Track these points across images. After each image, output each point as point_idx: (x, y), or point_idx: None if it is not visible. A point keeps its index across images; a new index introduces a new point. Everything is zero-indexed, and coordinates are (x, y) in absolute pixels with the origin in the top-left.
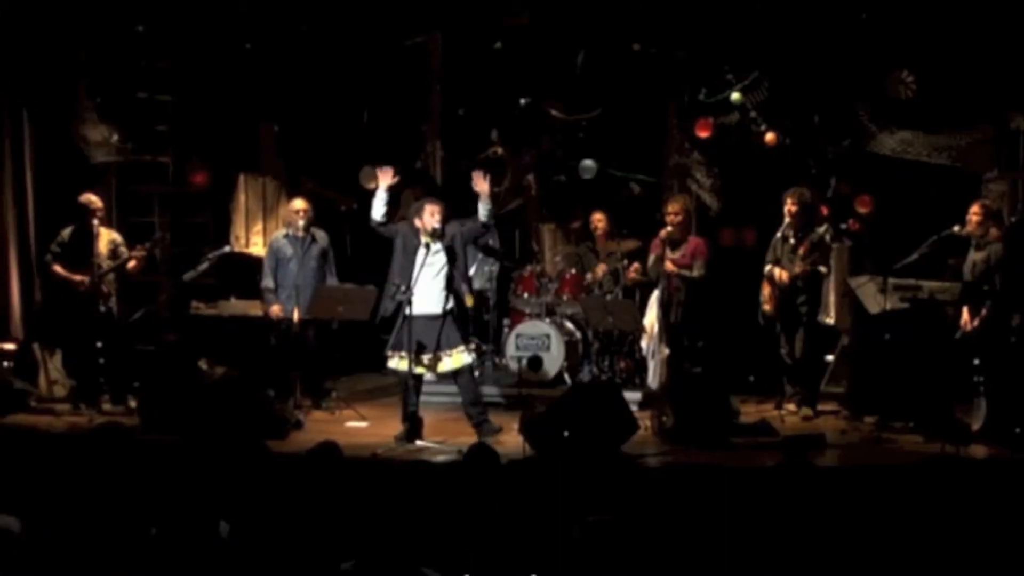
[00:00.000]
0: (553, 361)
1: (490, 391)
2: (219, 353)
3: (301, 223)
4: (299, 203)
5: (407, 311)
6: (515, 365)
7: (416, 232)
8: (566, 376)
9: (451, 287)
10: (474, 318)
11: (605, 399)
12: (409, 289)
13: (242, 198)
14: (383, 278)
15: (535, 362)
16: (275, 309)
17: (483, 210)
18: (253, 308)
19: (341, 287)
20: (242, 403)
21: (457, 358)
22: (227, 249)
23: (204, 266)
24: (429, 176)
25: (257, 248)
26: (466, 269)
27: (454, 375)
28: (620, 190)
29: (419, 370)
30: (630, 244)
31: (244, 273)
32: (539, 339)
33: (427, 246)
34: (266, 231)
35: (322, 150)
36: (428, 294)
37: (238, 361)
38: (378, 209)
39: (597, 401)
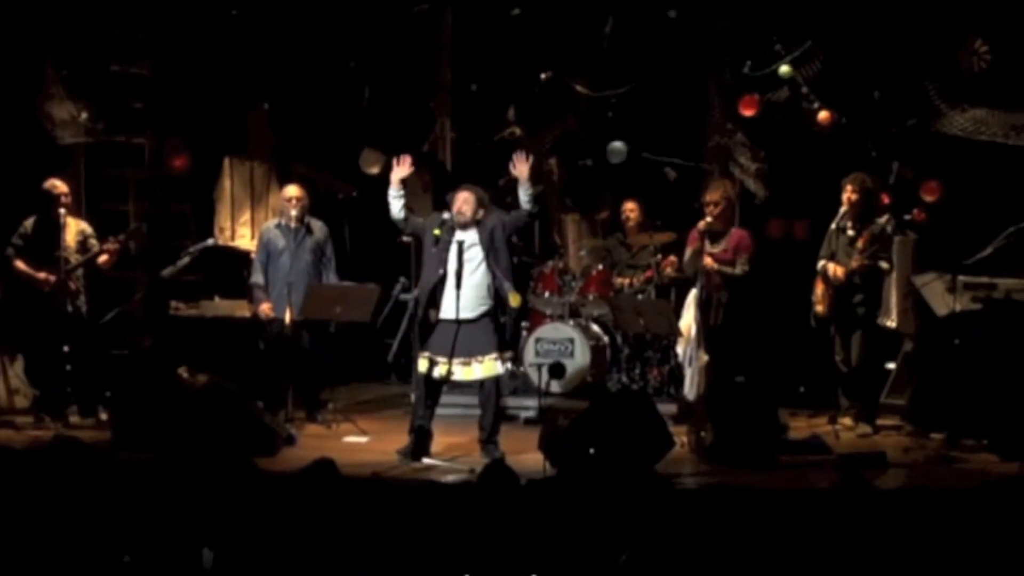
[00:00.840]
0: (577, 369)
1: (506, 403)
2: (201, 359)
3: (294, 212)
4: (292, 190)
5: (412, 310)
6: (535, 373)
7: (448, 227)
8: (591, 385)
9: (491, 286)
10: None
11: (636, 412)
12: (419, 285)
13: (227, 184)
14: (387, 275)
15: (557, 370)
16: (264, 308)
17: (524, 196)
18: (240, 308)
19: (339, 285)
20: (227, 416)
21: (488, 366)
22: (210, 242)
23: (185, 261)
24: (438, 160)
25: (244, 241)
26: (510, 265)
27: (480, 384)
28: (654, 176)
29: (440, 371)
30: (665, 237)
31: (230, 269)
32: (562, 344)
33: (459, 242)
34: (254, 222)
35: (318, 131)
36: (463, 295)
37: (222, 368)
38: (395, 205)
39: (627, 414)
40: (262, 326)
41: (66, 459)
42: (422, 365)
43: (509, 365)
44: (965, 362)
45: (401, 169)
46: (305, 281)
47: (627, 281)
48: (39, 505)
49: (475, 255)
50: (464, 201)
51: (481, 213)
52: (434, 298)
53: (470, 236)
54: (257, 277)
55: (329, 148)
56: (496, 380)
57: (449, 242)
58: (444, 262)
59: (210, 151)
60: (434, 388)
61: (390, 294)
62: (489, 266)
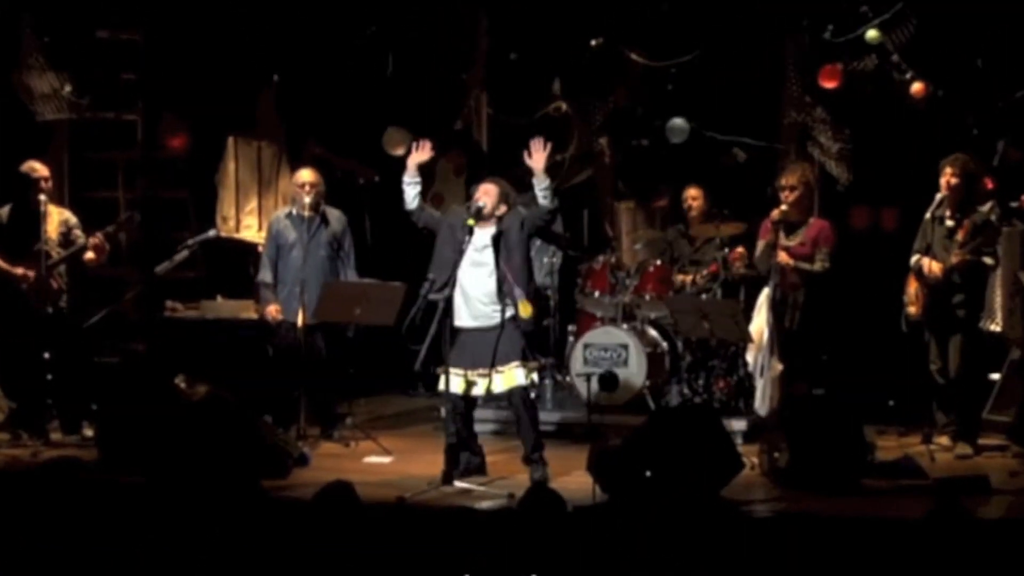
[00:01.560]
0: (632, 379)
1: (550, 418)
2: (201, 367)
3: (308, 200)
4: (305, 174)
5: (442, 313)
6: (583, 384)
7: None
8: (648, 399)
9: (501, 291)
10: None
11: (699, 429)
12: (448, 284)
13: (231, 168)
14: (413, 272)
15: (609, 381)
16: (273, 310)
17: (540, 191)
18: (245, 309)
19: (359, 282)
20: (230, 432)
21: (509, 376)
22: (212, 234)
23: (182, 255)
24: (472, 140)
25: (250, 232)
26: (526, 269)
27: (508, 397)
28: (720, 157)
29: (461, 387)
30: (732, 228)
31: (234, 264)
32: (614, 351)
33: (470, 235)
34: (262, 210)
35: (335, 106)
36: (473, 301)
37: (225, 378)
38: (409, 193)
39: (689, 431)
40: (271, 330)
41: (55, 481)
42: (442, 380)
43: (535, 376)
44: None
45: (420, 153)
46: (320, 278)
47: (689, 278)
48: (18, 533)
49: (489, 257)
50: (485, 192)
51: (503, 209)
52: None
53: (485, 234)
54: (265, 274)
55: (348, 126)
56: (523, 392)
57: (463, 241)
58: (455, 264)
59: (212, 129)
60: (459, 406)
61: (417, 293)
62: (500, 271)
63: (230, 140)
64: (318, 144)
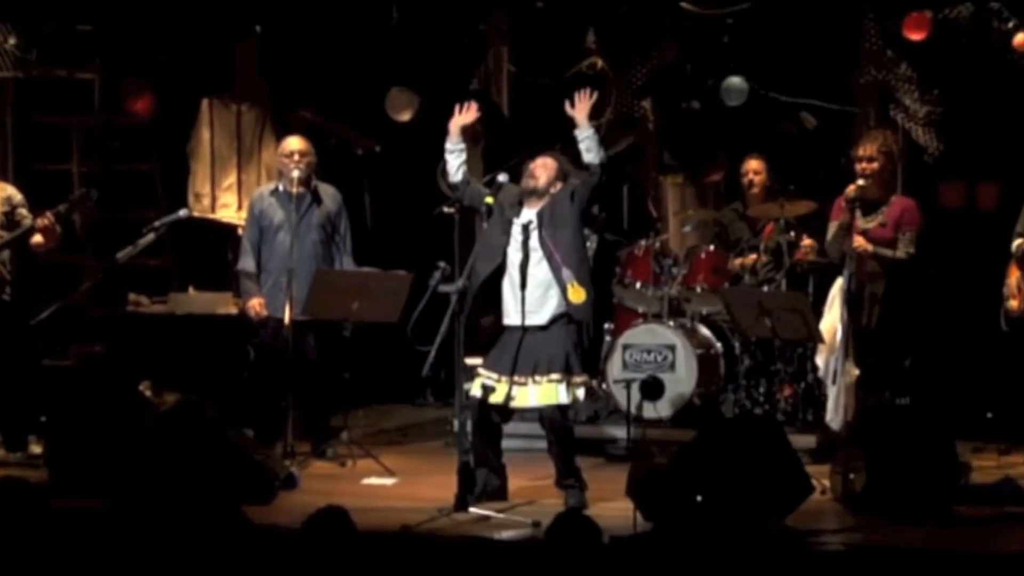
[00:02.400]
0: (680, 387)
1: (582, 432)
2: (170, 372)
3: (296, 174)
4: (294, 143)
5: (456, 308)
6: (622, 393)
7: (517, 202)
8: (699, 410)
9: (558, 276)
10: None
11: (760, 446)
12: (464, 275)
13: (206, 136)
14: (421, 259)
15: (652, 388)
16: (254, 304)
17: (584, 144)
18: (222, 303)
19: (357, 272)
20: (205, 449)
21: (547, 391)
22: (183, 214)
23: (148, 240)
24: (491, 102)
25: (228, 212)
26: (577, 246)
27: (539, 416)
28: (785, 123)
29: (497, 397)
30: (800, 207)
31: (209, 250)
32: (659, 352)
33: (525, 223)
34: (242, 186)
35: (328, 63)
36: (529, 294)
37: (199, 384)
38: (453, 163)
39: (747, 448)
40: (252, 328)
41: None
42: (475, 387)
43: (580, 393)
44: None
45: (465, 115)
46: (310, 267)
47: (748, 264)
48: None
49: (536, 240)
50: (542, 165)
51: (558, 187)
52: (487, 295)
53: (531, 213)
54: (246, 262)
55: (343, 87)
56: (558, 411)
57: (511, 221)
58: (503, 248)
59: (182, 90)
60: (490, 420)
61: (426, 285)
62: (545, 250)
63: (204, 103)
64: (308, 108)
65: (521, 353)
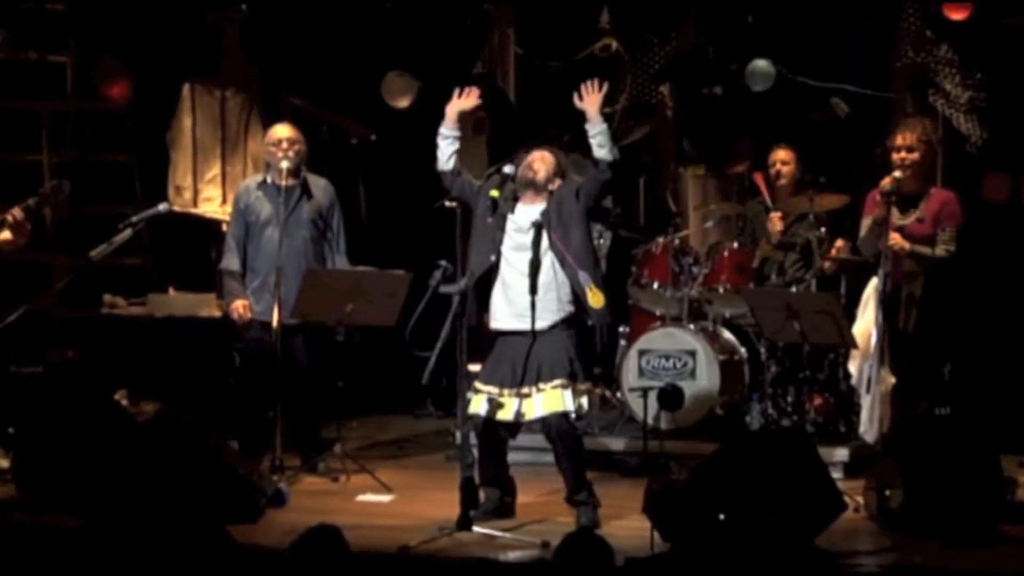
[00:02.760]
0: (701, 395)
1: (595, 445)
2: (149, 379)
3: (285, 164)
4: (282, 131)
5: (458, 310)
6: (637, 402)
7: (512, 197)
8: (722, 420)
9: (565, 284)
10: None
11: (788, 459)
12: (467, 275)
13: (187, 123)
14: (421, 257)
15: (671, 397)
16: (239, 306)
17: (595, 140)
18: (205, 305)
19: (351, 271)
20: (187, 463)
21: (552, 397)
22: (163, 208)
23: (125, 236)
24: (496, 88)
25: (212, 207)
26: (589, 247)
27: (542, 425)
28: (815, 111)
29: (501, 413)
30: (831, 200)
31: (190, 248)
32: (678, 358)
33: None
34: (227, 179)
35: (320, 46)
36: (518, 295)
37: (180, 393)
38: (445, 151)
39: (774, 463)
40: (237, 332)
41: None
42: (476, 404)
43: (584, 401)
44: None
45: (464, 100)
46: (300, 265)
47: (773, 261)
48: None
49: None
50: (540, 159)
51: (557, 184)
52: (485, 295)
53: (533, 211)
54: (230, 260)
55: (337, 71)
56: (564, 420)
57: (505, 217)
58: (497, 244)
59: (162, 74)
60: (494, 435)
61: (425, 285)
62: (556, 252)
63: (186, 88)
64: (298, 94)
65: (517, 361)
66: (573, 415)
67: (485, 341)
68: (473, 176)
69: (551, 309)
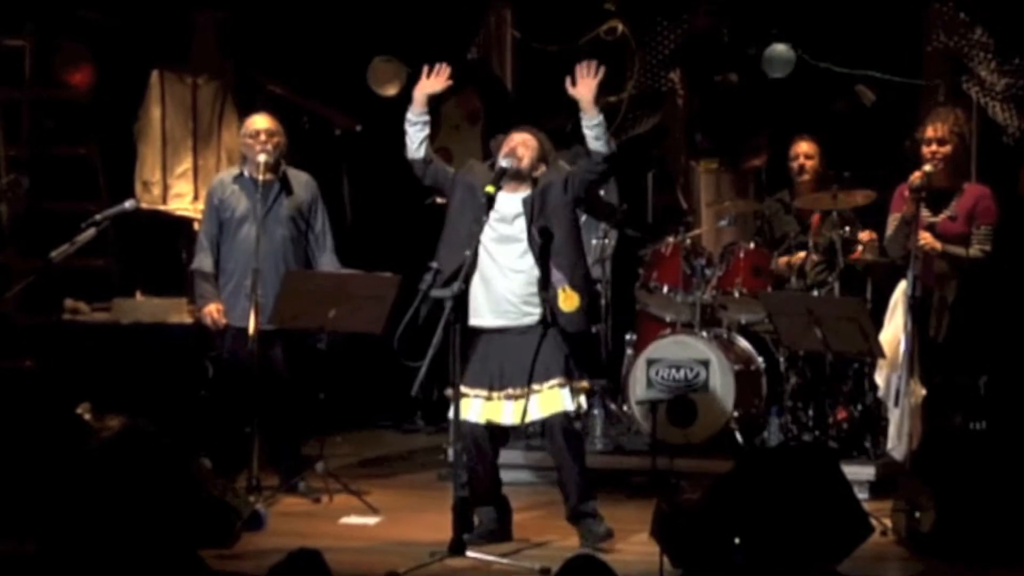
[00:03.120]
0: (714, 408)
1: (599, 462)
2: (114, 392)
3: (263, 158)
4: (259, 121)
5: (451, 316)
6: (645, 416)
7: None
8: (737, 435)
9: (545, 278)
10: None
11: (809, 478)
12: (462, 273)
13: (156, 113)
14: (410, 258)
15: (682, 410)
16: (213, 311)
17: (589, 131)
18: (175, 311)
19: (334, 273)
20: (155, 482)
21: (549, 398)
22: (129, 206)
23: (88, 236)
24: (491, 75)
25: (183, 203)
26: (572, 244)
27: (542, 428)
28: (839, 99)
29: (482, 414)
30: (857, 197)
31: (159, 248)
32: (689, 369)
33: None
34: (199, 173)
35: (301, 30)
36: (505, 290)
37: (148, 406)
38: (415, 137)
39: (794, 481)
40: (210, 339)
41: None
42: (464, 407)
43: (583, 400)
44: None
45: (432, 81)
46: (279, 267)
47: (793, 260)
48: None
49: (520, 230)
50: (523, 144)
51: (541, 170)
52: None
53: (515, 200)
54: (203, 260)
55: (319, 57)
56: (565, 419)
57: (483, 207)
58: (475, 237)
59: (128, 61)
60: (486, 443)
61: (416, 289)
62: (532, 246)
63: (154, 75)
64: (277, 81)
65: (509, 361)
66: (573, 414)
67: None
68: (476, 163)
69: (534, 303)
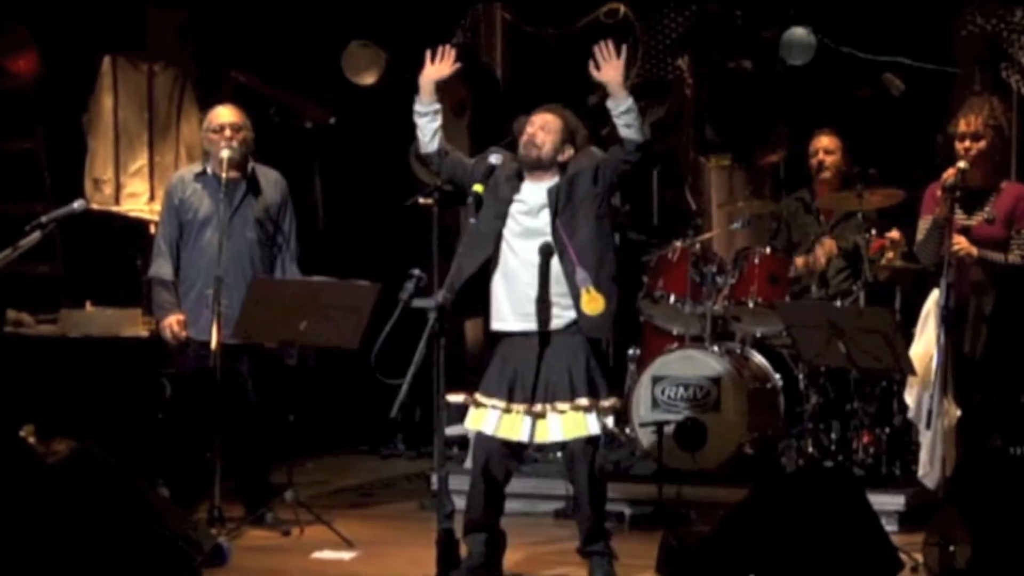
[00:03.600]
0: (727, 431)
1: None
2: (62, 412)
3: (227, 153)
4: (224, 114)
5: (434, 327)
6: (650, 439)
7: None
8: (751, 460)
9: (571, 279)
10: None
11: (831, 508)
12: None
13: (108, 104)
14: (390, 266)
15: (691, 432)
16: (172, 322)
17: (621, 119)
18: (129, 323)
19: (306, 281)
20: (108, 512)
21: (573, 421)
22: (78, 206)
23: (32, 240)
24: (479, 62)
25: (138, 204)
26: (600, 240)
27: (561, 452)
28: (864, 89)
29: (499, 427)
30: (884, 196)
31: (111, 254)
32: (699, 387)
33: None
34: (155, 170)
35: (268, 13)
36: (524, 289)
37: (99, 429)
38: (427, 128)
39: (815, 511)
40: (169, 354)
41: None
42: (477, 419)
43: (611, 420)
44: None
45: (439, 67)
46: (246, 274)
47: (815, 258)
48: None
49: (546, 222)
50: (542, 127)
51: (569, 153)
52: (472, 299)
53: (541, 191)
54: (161, 267)
55: (288, 43)
56: (590, 446)
57: (508, 201)
58: (496, 234)
59: (78, 46)
60: (499, 463)
61: (396, 299)
62: (558, 240)
63: (106, 62)
64: (242, 68)
65: (529, 370)
66: (601, 440)
67: (472, 365)
68: (496, 149)
69: (563, 306)
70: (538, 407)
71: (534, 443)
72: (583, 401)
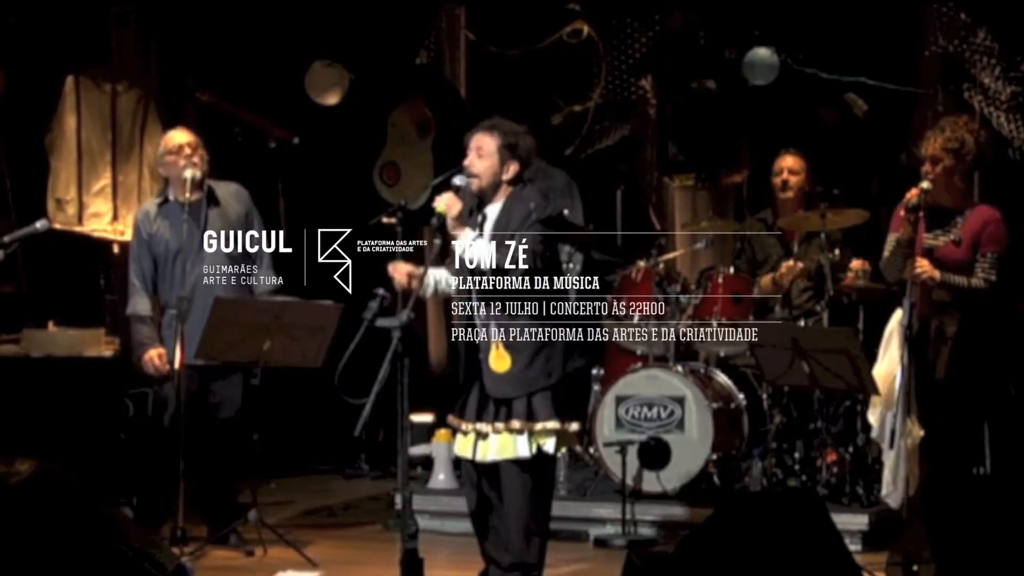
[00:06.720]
0: (690, 451)
1: (561, 509)
2: (23, 433)
3: (189, 173)
4: (181, 136)
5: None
6: (615, 459)
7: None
8: (715, 480)
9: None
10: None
11: (795, 528)
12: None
13: (71, 124)
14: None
15: (655, 452)
16: (154, 357)
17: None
18: (90, 342)
19: (269, 301)
20: (70, 533)
21: (505, 442)
22: (40, 226)
23: None
24: (442, 82)
25: (100, 224)
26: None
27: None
28: (828, 109)
29: (460, 449)
30: (847, 217)
31: (74, 274)
32: (663, 407)
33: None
34: (119, 190)
35: (231, 32)
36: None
37: (61, 449)
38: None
39: (779, 532)
40: (133, 376)
41: None
42: (462, 445)
43: (550, 444)
44: None
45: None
46: (209, 292)
47: (781, 275)
48: None
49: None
50: (478, 151)
51: (514, 168)
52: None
53: (494, 209)
54: (137, 303)
55: (252, 61)
56: (518, 470)
57: (475, 227)
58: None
59: (40, 65)
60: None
61: (359, 318)
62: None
63: (69, 81)
64: (206, 88)
65: (484, 392)
66: (528, 462)
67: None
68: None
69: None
70: (483, 426)
71: (477, 462)
72: (516, 424)
